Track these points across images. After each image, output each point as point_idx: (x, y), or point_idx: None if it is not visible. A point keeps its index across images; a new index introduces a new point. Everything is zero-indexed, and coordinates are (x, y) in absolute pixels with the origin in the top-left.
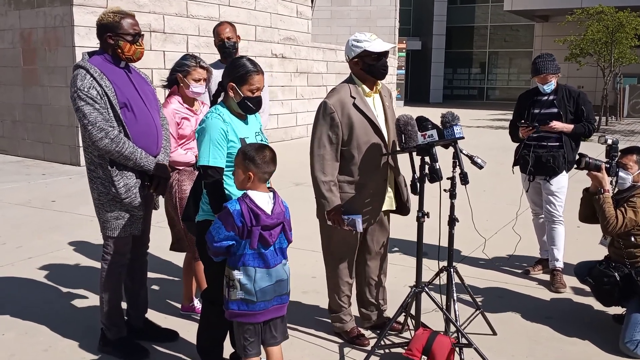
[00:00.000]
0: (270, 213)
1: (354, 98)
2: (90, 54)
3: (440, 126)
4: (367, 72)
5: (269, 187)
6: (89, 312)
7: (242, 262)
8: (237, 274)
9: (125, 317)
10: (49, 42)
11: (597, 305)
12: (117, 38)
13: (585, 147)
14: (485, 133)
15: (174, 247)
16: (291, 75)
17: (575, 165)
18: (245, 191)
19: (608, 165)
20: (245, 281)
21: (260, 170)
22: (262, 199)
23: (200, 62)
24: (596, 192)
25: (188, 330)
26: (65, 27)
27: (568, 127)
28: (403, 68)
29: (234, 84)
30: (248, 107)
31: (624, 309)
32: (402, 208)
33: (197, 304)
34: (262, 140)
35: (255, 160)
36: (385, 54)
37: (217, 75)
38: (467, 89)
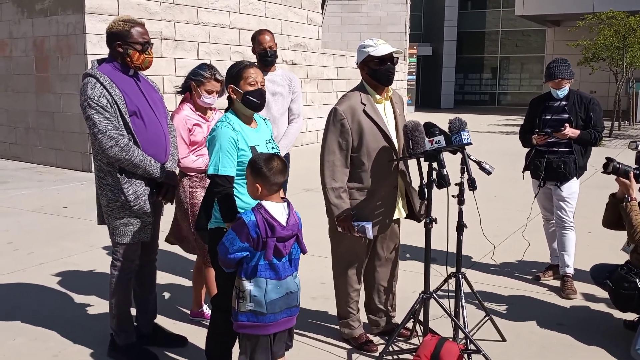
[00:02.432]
0: (285, 224)
1: (364, 105)
2: (99, 62)
3: (447, 132)
4: (372, 77)
5: (282, 198)
6: (99, 318)
7: (254, 273)
8: (248, 285)
9: (135, 323)
10: (61, 50)
11: (608, 312)
12: (127, 47)
13: (600, 152)
14: (496, 138)
15: (170, 241)
16: (301, 82)
17: (602, 169)
18: (259, 201)
19: (637, 172)
20: (256, 292)
21: (268, 182)
22: (277, 210)
23: (216, 74)
24: (623, 198)
25: (197, 336)
26: (77, 35)
27: (575, 132)
28: (414, 73)
29: (232, 85)
30: (251, 101)
31: (636, 316)
32: (413, 216)
33: (207, 309)
34: (272, 147)
35: (262, 170)
36: (391, 59)
37: None
38: (479, 94)
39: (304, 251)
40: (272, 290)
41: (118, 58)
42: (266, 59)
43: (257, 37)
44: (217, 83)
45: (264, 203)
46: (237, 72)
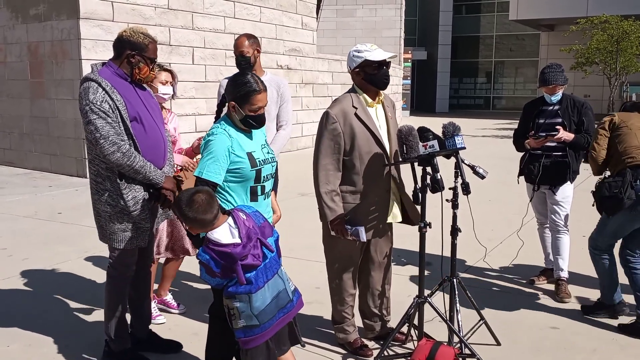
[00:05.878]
0: (240, 240)
1: (356, 108)
2: (98, 67)
3: (441, 136)
4: (369, 82)
5: (225, 212)
6: (94, 324)
7: (234, 291)
8: (235, 303)
9: (130, 329)
10: (55, 55)
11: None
12: (140, 59)
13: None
14: (491, 142)
15: None
16: (297, 86)
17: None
18: (207, 234)
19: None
20: (243, 308)
21: (197, 221)
22: (225, 234)
23: (162, 65)
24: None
25: (191, 342)
26: (72, 41)
27: (570, 135)
28: (409, 78)
29: (235, 103)
30: (251, 124)
31: (631, 319)
32: (408, 220)
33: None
34: (268, 152)
35: (188, 215)
36: (386, 63)
37: None
38: (473, 98)
39: (271, 250)
40: (257, 300)
41: (125, 65)
42: (239, 64)
43: (235, 42)
44: (167, 73)
45: (209, 236)
46: (244, 94)
